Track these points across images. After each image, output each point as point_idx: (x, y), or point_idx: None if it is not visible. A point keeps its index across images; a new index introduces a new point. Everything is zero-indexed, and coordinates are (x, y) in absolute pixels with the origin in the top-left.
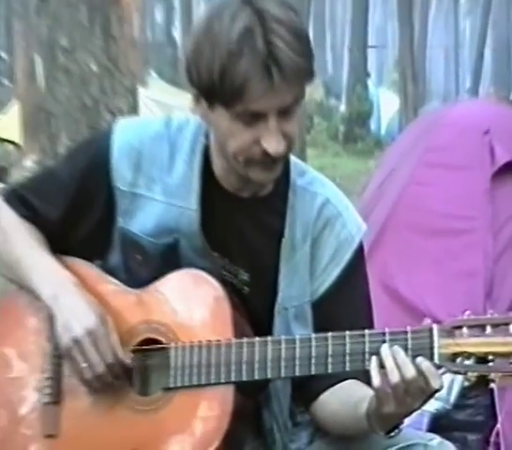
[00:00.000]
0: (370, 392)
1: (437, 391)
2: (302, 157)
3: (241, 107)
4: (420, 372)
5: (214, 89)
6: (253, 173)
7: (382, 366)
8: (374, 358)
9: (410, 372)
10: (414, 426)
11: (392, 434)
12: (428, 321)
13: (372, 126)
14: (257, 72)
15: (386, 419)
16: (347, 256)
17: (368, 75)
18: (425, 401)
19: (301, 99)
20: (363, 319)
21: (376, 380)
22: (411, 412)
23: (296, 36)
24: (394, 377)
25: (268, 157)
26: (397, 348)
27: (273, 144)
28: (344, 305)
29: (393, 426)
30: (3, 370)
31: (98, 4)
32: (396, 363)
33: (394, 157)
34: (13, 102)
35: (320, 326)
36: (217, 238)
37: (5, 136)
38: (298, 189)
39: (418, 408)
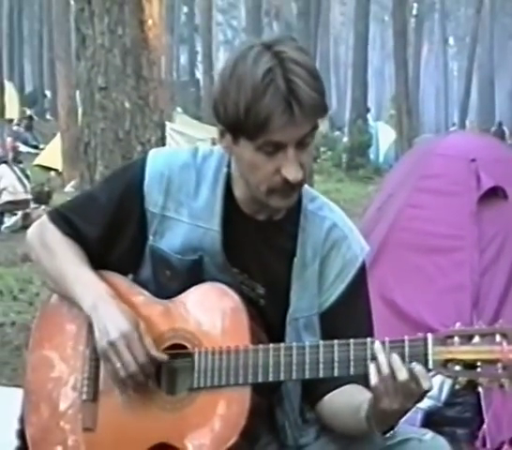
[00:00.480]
0: (369, 395)
1: (427, 392)
2: (310, 182)
3: (264, 138)
4: (412, 374)
5: (239, 123)
6: (273, 201)
7: (378, 369)
8: (373, 362)
9: (402, 373)
10: (408, 422)
11: (387, 435)
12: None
13: (372, 155)
14: (279, 107)
15: (383, 417)
16: (351, 274)
17: (367, 110)
18: (417, 401)
19: (315, 132)
20: (364, 329)
21: (373, 379)
22: (405, 412)
23: (312, 75)
24: (386, 373)
25: (288, 185)
26: (390, 351)
27: (292, 172)
28: (348, 316)
29: (389, 427)
30: (46, 370)
31: (131, 49)
32: (389, 363)
33: (391, 183)
34: (56, 135)
35: (326, 335)
36: (236, 256)
37: (48, 164)
38: (309, 214)
39: (411, 407)
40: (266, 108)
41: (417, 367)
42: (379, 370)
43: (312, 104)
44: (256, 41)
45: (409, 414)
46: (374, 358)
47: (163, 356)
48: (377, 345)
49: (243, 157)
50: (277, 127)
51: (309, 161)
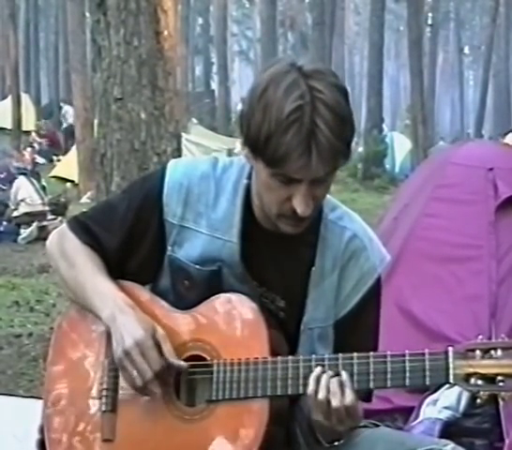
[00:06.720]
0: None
1: (350, 408)
2: None
3: (280, 171)
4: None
5: (258, 148)
6: (282, 225)
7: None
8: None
9: (336, 399)
10: (426, 432)
11: (335, 444)
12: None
13: (387, 165)
14: (298, 149)
15: (326, 433)
16: (367, 286)
17: (382, 120)
18: (356, 419)
19: (334, 173)
20: (368, 343)
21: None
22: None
23: (340, 120)
24: (322, 397)
25: (296, 215)
26: (328, 377)
27: (302, 207)
28: (355, 328)
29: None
30: (65, 382)
31: (146, 60)
32: (328, 387)
33: (407, 193)
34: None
35: (335, 345)
36: (255, 268)
37: (64, 175)
38: (329, 223)
39: (356, 425)
40: (285, 146)
41: (332, 385)
42: (316, 393)
43: (332, 151)
44: (295, 63)
45: (427, 425)
46: (397, 372)
47: (182, 364)
48: (318, 370)
49: (259, 175)
50: (293, 166)
51: (325, 194)
